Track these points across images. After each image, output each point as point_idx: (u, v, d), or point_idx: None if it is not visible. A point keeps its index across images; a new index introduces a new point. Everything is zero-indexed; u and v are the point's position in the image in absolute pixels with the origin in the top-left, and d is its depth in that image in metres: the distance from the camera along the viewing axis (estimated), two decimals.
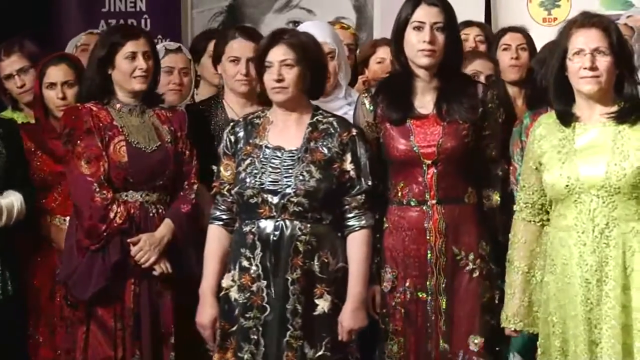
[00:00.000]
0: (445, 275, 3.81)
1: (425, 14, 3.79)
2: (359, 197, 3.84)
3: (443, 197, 3.82)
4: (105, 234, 4.08)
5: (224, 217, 3.91)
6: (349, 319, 3.78)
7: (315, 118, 3.88)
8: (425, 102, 3.86)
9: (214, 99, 4.58)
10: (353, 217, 3.84)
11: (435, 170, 3.81)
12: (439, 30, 3.80)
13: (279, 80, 3.80)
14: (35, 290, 4.48)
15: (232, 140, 3.91)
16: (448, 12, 3.83)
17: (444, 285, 3.81)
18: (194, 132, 4.30)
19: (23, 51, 4.89)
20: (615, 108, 3.55)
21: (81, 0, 6.55)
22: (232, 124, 3.97)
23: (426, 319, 3.82)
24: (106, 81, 4.20)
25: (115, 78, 4.19)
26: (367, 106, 3.90)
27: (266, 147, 3.85)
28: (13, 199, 4.28)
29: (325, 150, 3.84)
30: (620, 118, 3.52)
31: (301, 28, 4.41)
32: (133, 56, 4.15)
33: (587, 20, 3.55)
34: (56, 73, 4.53)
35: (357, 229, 3.83)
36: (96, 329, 4.12)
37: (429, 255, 3.81)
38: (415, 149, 3.81)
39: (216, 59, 4.55)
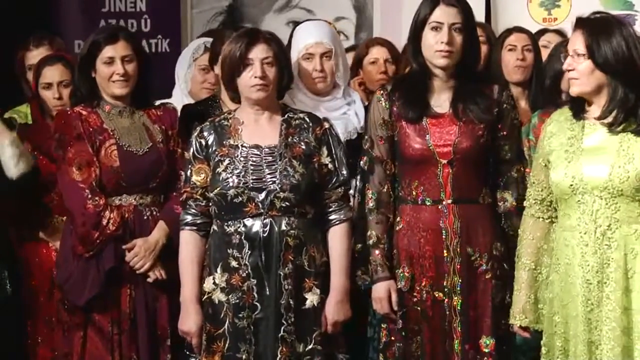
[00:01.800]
0: (460, 276, 3.81)
1: (443, 14, 3.79)
2: (338, 189, 3.91)
3: (458, 197, 3.82)
4: (98, 241, 4.08)
5: (197, 221, 3.91)
6: (333, 311, 3.83)
7: (287, 115, 3.94)
8: (441, 101, 3.87)
9: (211, 99, 4.58)
10: (333, 210, 3.90)
11: (450, 170, 3.81)
12: (457, 31, 3.80)
13: (263, 77, 3.82)
14: (33, 290, 4.48)
15: (203, 144, 3.91)
16: (466, 12, 3.84)
17: (459, 286, 3.81)
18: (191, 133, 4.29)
19: (53, 45, 4.93)
20: (605, 112, 3.53)
21: (81, 0, 6.56)
22: (198, 128, 3.97)
23: (443, 318, 3.82)
24: (92, 84, 4.18)
25: (98, 81, 4.18)
26: (383, 104, 3.89)
27: (242, 146, 3.87)
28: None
29: (303, 145, 3.89)
30: (611, 126, 3.50)
31: (299, 27, 4.42)
32: (110, 61, 4.12)
33: (578, 20, 3.54)
34: (52, 73, 4.54)
35: (337, 222, 3.89)
36: (93, 333, 4.13)
37: (445, 255, 3.81)
38: (431, 148, 3.81)
39: (213, 59, 4.55)
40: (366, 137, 3.94)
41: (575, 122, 3.59)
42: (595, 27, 3.50)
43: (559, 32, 5.51)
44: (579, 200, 3.51)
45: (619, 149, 3.50)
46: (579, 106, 3.58)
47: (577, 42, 3.51)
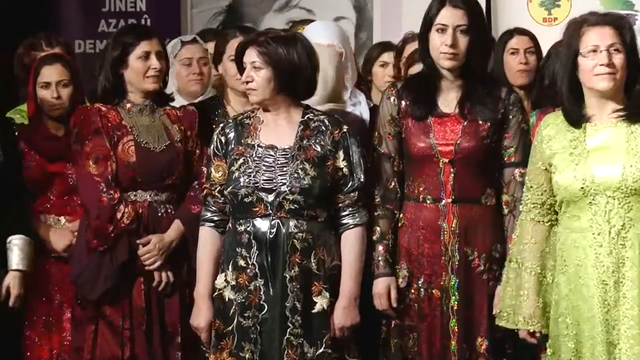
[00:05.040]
0: (457, 275, 3.83)
1: (449, 16, 3.81)
2: (352, 194, 3.86)
3: (459, 197, 3.83)
4: (112, 234, 4.09)
5: (215, 218, 3.91)
6: (340, 316, 3.81)
7: (306, 116, 3.90)
8: (449, 100, 3.89)
9: (215, 99, 4.60)
10: (347, 214, 3.87)
11: (452, 169, 3.83)
12: (462, 32, 3.81)
13: (247, 82, 3.82)
14: (30, 291, 4.45)
15: (223, 141, 3.91)
16: (473, 13, 3.84)
17: (455, 285, 3.83)
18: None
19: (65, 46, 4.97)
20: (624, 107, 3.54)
21: (81, 0, 6.55)
22: (221, 125, 3.98)
23: (440, 317, 3.84)
24: (119, 81, 4.21)
25: (128, 78, 4.21)
26: (392, 100, 3.91)
27: (258, 146, 3.86)
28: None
29: (318, 148, 3.85)
30: (632, 117, 3.51)
31: (309, 28, 4.42)
32: (147, 56, 4.17)
33: (600, 18, 3.55)
34: (50, 73, 4.52)
35: (351, 226, 3.86)
36: (104, 327, 4.14)
37: (443, 254, 3.83)
38: (433, 146, 3.83)
39: (217, 59, 4.56)
40: (376, 133, 3.95)
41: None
42: (620, 22, 3.53)
43: None
44: (590, 202, 3.50)
45: (627, 147, 3.50)
46: (576, 113, 3.57)
47: (612, 37, 3.50)
